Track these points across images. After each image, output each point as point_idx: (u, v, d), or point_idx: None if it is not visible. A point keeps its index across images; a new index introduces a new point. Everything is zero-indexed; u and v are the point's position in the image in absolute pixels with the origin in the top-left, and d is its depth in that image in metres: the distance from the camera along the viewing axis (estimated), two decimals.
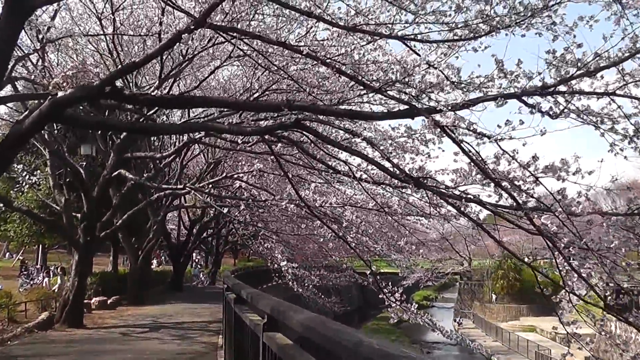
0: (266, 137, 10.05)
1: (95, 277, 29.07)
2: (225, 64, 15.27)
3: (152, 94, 11.48)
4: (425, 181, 8.68)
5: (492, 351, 49.61)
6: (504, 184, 9.34)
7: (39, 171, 22.66)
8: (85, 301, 23.15)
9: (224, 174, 20.52)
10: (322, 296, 32.49)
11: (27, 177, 20.66)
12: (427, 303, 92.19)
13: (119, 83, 13.15)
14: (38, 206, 27.01)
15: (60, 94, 7.67)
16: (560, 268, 8.99)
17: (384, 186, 14.13)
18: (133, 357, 12.82)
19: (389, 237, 18.33)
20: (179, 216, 45.59)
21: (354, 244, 14.97)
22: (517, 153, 8.73)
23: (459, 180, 9.34)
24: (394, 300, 13.62)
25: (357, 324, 65.78)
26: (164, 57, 12.99)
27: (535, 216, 7.98)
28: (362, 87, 9.89)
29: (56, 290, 24.74)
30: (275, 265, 22.01)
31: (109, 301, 25.53)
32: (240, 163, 21.26)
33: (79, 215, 19.12)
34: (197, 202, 36.82)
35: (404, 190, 11.55)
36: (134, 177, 18.64)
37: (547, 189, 8.09)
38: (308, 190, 17.73)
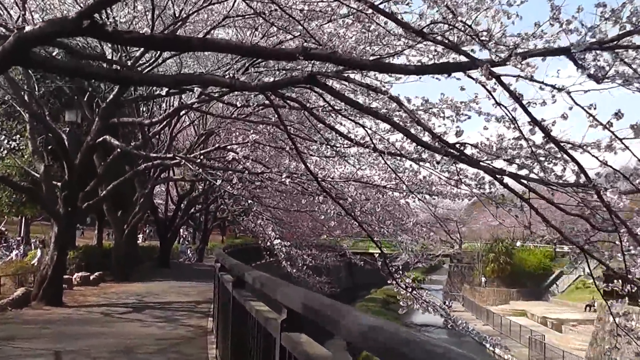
0: (271, 97, 8.70)
1: (78, 251, 27.77)
2: (222, 24, 13.86)
3: (141, 31, 10.07)
4: (463, 147, 7.41)
5: (483, 335, 48.71)
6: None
7: (19, 136, 21.19)
8: (66, 277, 21.89)
9: (217, 146, 19.21)
10: (315, 276, 31.34)
11: (6, 141, 19.13)
12: (415, 285, 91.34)
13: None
14: (19, 174, 25.52)
15: (27, 28, 6.34)
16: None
17: (400, 158, 12.95)
18: (114, 343, 11.41)
19: (395, 217, 17.04)
20: (166, 190, 44.33)
21: (364, 224, 13.68)
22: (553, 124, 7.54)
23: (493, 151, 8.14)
24: (404, 286, 12.38)
25: (347, 304, 64.67)
26: (155, 19, 11.53)
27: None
28: (384, 43, 8.64)
29: (35, 264, 23.47)
30: (268, 243, 20.71)
31: (91, 277, 24.17)
32: (234, 134, 19.98)
33: (59, 184, 17.67)
34: (186, 175, 35.52)
35: (421, 164, 10.24)
36: (120, 145, 17.24)
37: (634, 154, 6.78)
38: (309, 163, 16.49)
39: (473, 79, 7.02)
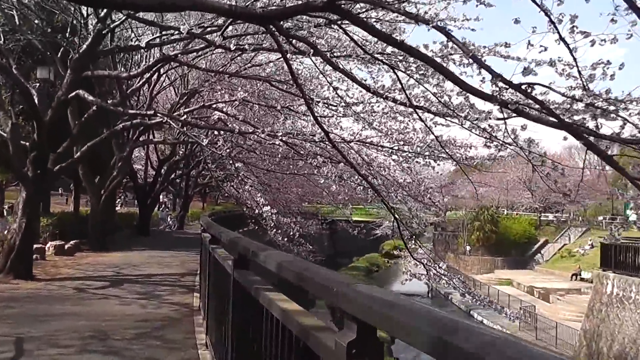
0: (275, 33, 7.10)
1: (52, 218, 26.16)
2: None
3: None
4: (531, 89, 5.91)
5: (470, 305, 47.66)
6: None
7: None
8: (39, 246, 20.38)
9: (201, 104, 17.58)
10: (304, 243, 29.98)
11: None
12: (397, 252, 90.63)
13: None
14: None
15: None
16: None
17: (409, 118, 11.48)
18: (87, 326, 9.78)
19: (404, 182, 15.52)
20: (146, 155, 42.61)
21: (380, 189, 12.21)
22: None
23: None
24: (419, 258, 10.99)
25: None
26: None
27: None
28: None
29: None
30: (257, 211, 19.17)
31: (66, 246, 22.59)
32: (219, 93, 18.40)
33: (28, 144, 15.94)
34: (167, 137, 33.88)
35: (451, 121, 8.78)
36: (95, 100, 15.54)
37: None
38: (305, 122, 14.95)
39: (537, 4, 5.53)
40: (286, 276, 3.24)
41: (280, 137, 12.24)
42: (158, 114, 14.92)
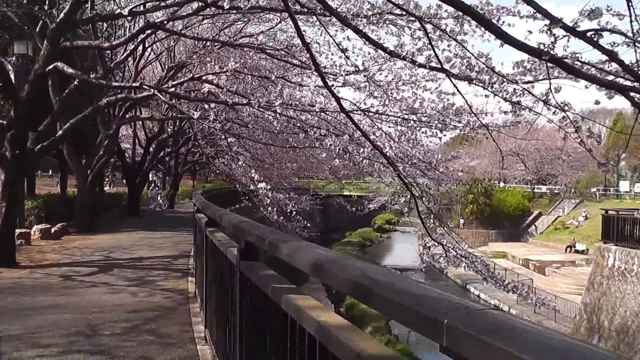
0: None
1: (38, 201, 25.17)
2: None
3: None
4: (597, 38, 5.00)
5: (467, 279, 47.06)
6: None
7: None
8: (24, 230, 19.46)
9: (191, 76, 16.57)
10: (300, 219, 29.12)
11: None
12: (389, 227, 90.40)
13: None
14: None
15: None
16: None
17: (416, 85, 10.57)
18: (72, 320, 8.77)
19: (411, 155, 14.54)
20: (134, 133, 41.43)
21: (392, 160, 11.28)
22: None
23: None
24: (438, 239, 10.14)
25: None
26: None
27: None
28: None
29: None
30: (252, 187, 18.23)
31: (53, 230, 21.60)
32: (209, 65, 17.41)
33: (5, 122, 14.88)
34: (155, 114, 32.82)
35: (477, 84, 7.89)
36: (76, 73, 14.48)
37: None
38: (301, 92, 14.00)
39: None
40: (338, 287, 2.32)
41: (276, 108, 11.27)
42: (144, 86, 13.88)
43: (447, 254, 11.85)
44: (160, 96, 13.13)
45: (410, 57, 7.25)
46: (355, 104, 12.90)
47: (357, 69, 12.83)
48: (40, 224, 22.03)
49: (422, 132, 13.08)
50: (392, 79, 12.53)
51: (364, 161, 12.24)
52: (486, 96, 7.87)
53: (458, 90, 8.06)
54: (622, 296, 26.40)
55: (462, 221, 67.16)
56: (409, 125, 12.55)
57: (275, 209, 19.45)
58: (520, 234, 66.25)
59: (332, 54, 14.18)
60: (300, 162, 29.25)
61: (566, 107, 7.07)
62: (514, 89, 7.56)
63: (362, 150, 11.06)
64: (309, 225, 36.26)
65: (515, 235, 65.47)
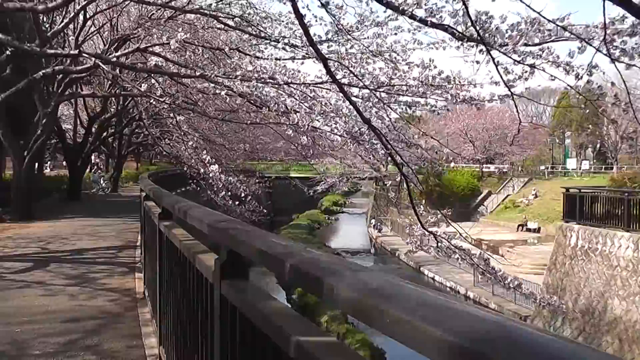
0: None
1: None
2: None
3: None
4: None
5: (420, 261, 46.17)
6: None
7: None
8: None
9: (136, 47, 14.93)
10: (252, 202, 27.72)
11: None
12: (336, 208, 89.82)
13: None
14: None
15: None
16: None
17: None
18: None
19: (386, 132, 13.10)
20: (75, 112, 39.29)
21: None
22: None
23: None
24: (431, 229, 8.94)
25: (272, 232, 61.84)
26: None
27: None
28: None
29: None
30: (202, 170, 16.70)
31: None
32: (156, 36, 15.82)
33: None
34: (98, 91, 30.87)
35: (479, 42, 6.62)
36: (5, 38, 12.75)
37: None
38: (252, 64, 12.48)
39: None
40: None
41: (236, 80, 9.82)
42: (84, 54, 12.26)
43: (439, 245, 10.55)
44: (102, 65, 11.52)
45: (411, 11, 5.98)
46: (319, 78, 11.56)
47: (327, 39, 11.51)
48: None
49: (397, 105, 11.75)
50: (365, 51, 11.19)
51: (335, 138, 10.88)
52: (494, 61, 6.61)
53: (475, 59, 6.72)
54: (587, 276, 25.81)
55: None
56: (381, 97, 11.22)
57: (227, 193, 17.98)
58: (471, 214, 65.91)
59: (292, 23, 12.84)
60: (253, 144, 27.81)
61: (593, 70, 5.89)
62: (530, 50, 6.36)
63: (333, 126, 9.77)
64: (256, 208, 35.07)
65: (465, 214, 65.00)
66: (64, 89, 23.63)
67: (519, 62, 6.35)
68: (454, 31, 6.49)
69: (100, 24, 24.28)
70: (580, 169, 74.15)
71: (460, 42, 7.07)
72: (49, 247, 15.18)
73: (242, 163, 34.89)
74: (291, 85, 10.50)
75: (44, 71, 15.62)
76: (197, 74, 11.16)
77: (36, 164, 31.27)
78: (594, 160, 79.25)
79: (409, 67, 9.69)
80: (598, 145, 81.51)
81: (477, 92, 9.77)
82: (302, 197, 75.94)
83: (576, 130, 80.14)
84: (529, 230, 53.37)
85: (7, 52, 13.95)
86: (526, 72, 6.75)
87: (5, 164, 35.61)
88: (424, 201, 56.61)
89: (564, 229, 28.18)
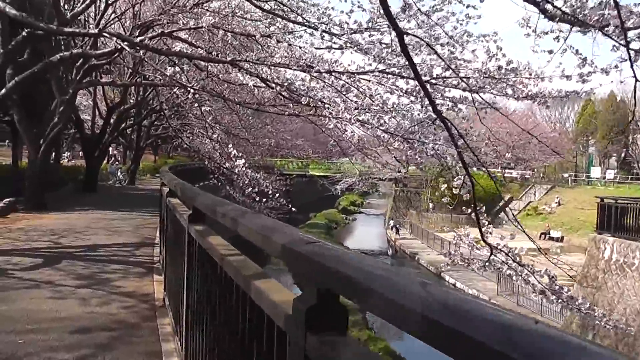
0: None
1: None
2: None
3: None
4: None
5: (439, 266, 44.96)
6: None
7: None
8: None
9: (160, 32, 13.90)
10: (278, 198, 26.84)
11: None
12: (354, 208, 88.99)
13: None
14: None
15: None
16: None
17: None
18: None
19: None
20: (93, 102, 38.45)
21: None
22: None
23: None
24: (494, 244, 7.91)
25: None
26: None
27: None
28: None
29: None
30: (227, 164, 15.71)
31: None
32: (181, 21, 14.81)
33: None
34: (117, 78, 29.94)
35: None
36: (20, 15, 11.79)
37: None
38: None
39: None
40: None
41: (271, 64, 8.80)
42: (105, 34, 11.24)
43: (492, 260, 9.36)
44: (124, 47, 10.53)
45: None
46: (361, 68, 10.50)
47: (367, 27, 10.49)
48: None
49: (442, 100, 10.67)
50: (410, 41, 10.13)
51: (383, 135, 9.82)
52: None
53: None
54: (621, 292, 24.60)
55: (431, 205, 65.60)
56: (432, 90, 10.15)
57: (254, 189, 17.02)
58: (492, 220, 64.64)
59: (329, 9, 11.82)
60: (276, 139, 26.84)
61: None
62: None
63: (382, 121, 8.77)
64: (276, 205, 34.28)
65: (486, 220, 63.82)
66: (83, 76, 22.71)
67: (625, 45, 5.30)
68: (548, 5, 5.45)
69: (122, 11, 23.29)
70: (604, 178, 72.63)
71: (536, 32, 6.06)
72: (62, 241, 14.21)
73: (261, 159, 33.94)
74: (333, 73, 9.49)
75: (61, 54, 14.68)
76: (228, 58, 10.14)
77: (53, 154, 30.49)
78: (618, 170, 77.62)
79: (474, 56, 8.61)
80: (623, 154, 79.84)
81: (544, 86, 8.74)
82: (319, 196, 75.05)
83: (601, 138, 78.66)
84: (551, 239, 52.19)
85: (23, 34, 13.02)
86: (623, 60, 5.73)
87: (22, 152, 34.90)
88: (443, 205, 55.51)
89: (597, 241, 26.92)
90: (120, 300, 8.63)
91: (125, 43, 10.66)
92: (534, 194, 66.51)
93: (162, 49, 11.17)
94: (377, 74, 9.80)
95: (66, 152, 56.19)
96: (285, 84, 11.28)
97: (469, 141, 12.20)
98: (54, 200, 22.95)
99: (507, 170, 75.91)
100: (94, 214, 20.56)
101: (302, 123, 52.80)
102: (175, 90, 16.76)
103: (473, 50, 8.70)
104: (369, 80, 10.61)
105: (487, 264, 8.63)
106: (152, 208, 21.06)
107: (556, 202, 59.05)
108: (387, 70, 9.43)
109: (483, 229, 8.10)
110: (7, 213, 19.10)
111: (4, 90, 14.20)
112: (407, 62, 9.62)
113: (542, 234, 53.15)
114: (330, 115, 9.42)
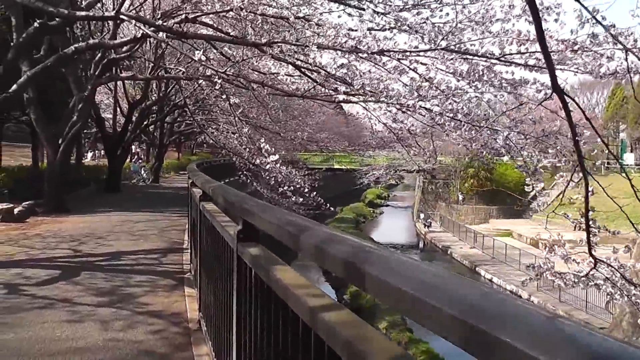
0: None
1: (1, 174, 21.40)
2: None
3: None
4: None
5: (475, 261, 43.52)
6: None
7: None
8: None
9: (184, 16, 12.61)
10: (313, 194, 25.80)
11: None
12: (380, 201, 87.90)
13: None
14: None
15: None
16: None
17: None
18: None
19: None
20: (114, 98, 37.33)
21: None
22: None
23: None
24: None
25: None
26: None
27: None
28: None
29: None
30: (257, 161, 14.51)
31: (16, 210, 17.85)
32: (206, 7, 13.52)
33: None
34: (138, 73, 28.87)
35: None
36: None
37: None
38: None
39: None
40: None
41: (313, 46, 7.51)
42: (123, 15, 10.01)
43: (594, 272, 7.88)
44: (146, 31, 9.28)
45: None
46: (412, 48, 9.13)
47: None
48: (1, 203, 18.32)
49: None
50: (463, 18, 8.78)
51: (448, 122, 8.46)
52: None
53: None
54: None
55: (461, 197, 64.09)
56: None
57: (288, 187, 15.92)
58: (523, 210, 62.96)
59: None
60: (311, 132, 25.58)
61: None
62: None
63: (451, 106, 7.47)
64: (305, 201, 33.42)
65: (517, 211, 62.22)
66: (102, 71, 21.56)
67: None
68: None
69: (142, 0, 22.10)
70: (637, 165, 70.65)
71: None
72: (82, 248, 12.98)
73: (289, 154, 32.84)
74: (386, 54, 8.18)
75: (76, 45, 13.51)
76: (263, 40, 8.84)
77: (74, 153, 29.58)
78: None
79: (560, 26, 7.22)
80: None
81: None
82: (345, 189, 73.84)
83: (633, 123, 76.51)
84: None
85: (35, 24, 11.90)
86: None
87: (42, 153, 33.98)
88: (473, 197, 54.18)
89: None
90: (147, 322, 7.36)
91: (147, 27, 9.42)
92: (567, 183, 64.68)
93: (187, 32, 9.82)
94: (435, 53, 8.44)
95: (89, 152, 55.52)
96: (330, 71, 9.98)
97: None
98: (75, 201, 21.97)
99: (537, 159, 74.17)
100: (117, 216, 19.40)
101: (326, 116, 51.66)
102: (200, 82, 15.55)
103: (556, 18, 7.30)
104: (425, 64, 9.26)
105: (583, 279, 7.17)
106: (179, 208, 20.04)
107: (590, 191, 57.25)
108: (450, 48, 8.07)
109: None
110: (26, 217, 18.05)
111: (15, 86, 12.98)
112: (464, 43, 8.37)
113: (576, 224, 51.27)
114: (386, 101, 8.07)
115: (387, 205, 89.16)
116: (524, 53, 7.83)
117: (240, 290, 3.67)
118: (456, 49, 8.05)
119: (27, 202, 18.85)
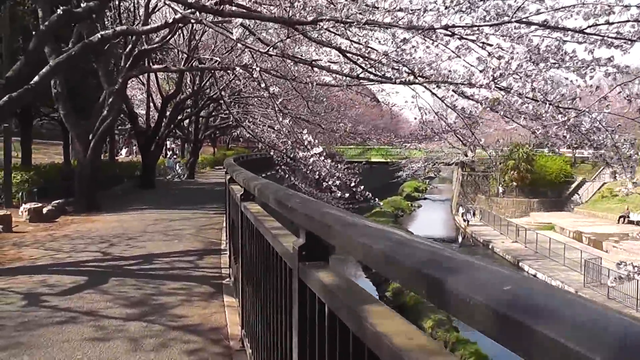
0: None
1: (28, 173, 20.65)
2: None
3: None
4: None
5: (518, 255, 42.16)
6: None
7: None
8: (5, 212, 15.14)
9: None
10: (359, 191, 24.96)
11: None
12: (418, 195, 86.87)
13: None
14: None
15: None
16: None
17: None
18: None
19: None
20: (147, 92, 36.55)
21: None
22: None
23: None
24: None
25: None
26: None
27: None
28: None
29: None
30: (300, 154, 13.65)
31: (45, 210, 17.13)
32: None
33: None
34: (171, 64, 28.13)
35: None
36: None
37: None
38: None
39: None
40: None
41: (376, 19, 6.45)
42: None
43: None
44: (179, 9, 8.27)
45: None
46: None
47: None
48: (31, 202, 17.61)
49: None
50: None
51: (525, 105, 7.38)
52: None
53: None
54: None
55: (501, 189, 62.78)
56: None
57: (337, 181, 15.10)
58: (564, 203, 61.52)
59: None
60: (356, 123, 24.61)
61: None
62: None
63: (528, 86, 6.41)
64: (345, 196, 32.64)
65: (558, 204, 60.77)
66: (133, 63, 20.70)
67: None
68: None
69: None
70: None
71: None
72: (112, 251, 12.08)
73: (327, 147, 32.04)
74: (451, 29, 7.12)
75: (102, 32, 12.60)
76: (309, 19, 7.80)
77: (107, 149, 29.05)
78: None
79: None
80: None
81: None
82: (382, 182, 72.80)
83: None
84: (631, 222, 48.65)
85: (59, 12, 11.08)
86: None
87: (75, 150, 33.47)
88: (514, 189, 52.72)
89: None
90: (182, 340, 6.37)
91: (181, 7, 8.45)
92: (609, 175, 62.84)
93: (224, 10, 8.88)
94: (503, 29, 7.32)
95: (123, 148, 55.24)
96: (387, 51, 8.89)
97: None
98: (108, 199, 21.31)
99: (577, 150, 72.31)
100: (150, 214, 18.54)
101: (364, 108, 50.59)
102: (236, 72, 14.62)
103: None
104: (490, 44, 8.13)
105: None
106: (216, 204, 19.29)
107: (634, 183, 55.50)
108: (524, 20, 6.96)
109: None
110: (56, 217, 17.33)
111: (37, 77, 12.08)
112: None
113: (620, 217, 49.92)
114: (452, 82, 7.00)
115: (425, 199, 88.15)
116: (611, 24, 6.69)
117: (304, 327, 2.64)
118: (531, 21, 6.93)
119: (57, 201, 18.20)
